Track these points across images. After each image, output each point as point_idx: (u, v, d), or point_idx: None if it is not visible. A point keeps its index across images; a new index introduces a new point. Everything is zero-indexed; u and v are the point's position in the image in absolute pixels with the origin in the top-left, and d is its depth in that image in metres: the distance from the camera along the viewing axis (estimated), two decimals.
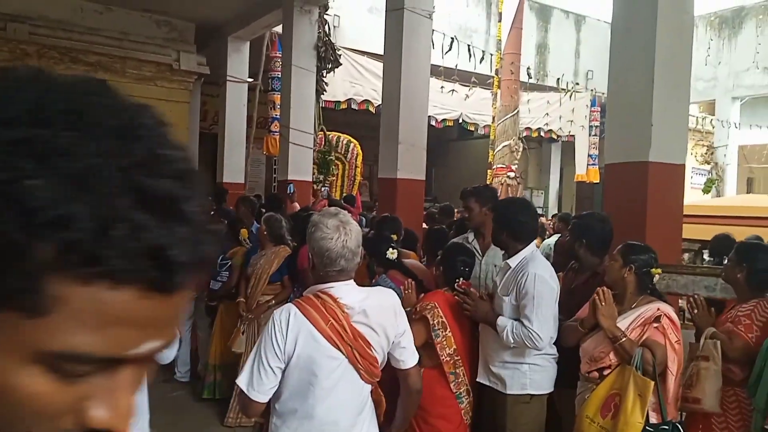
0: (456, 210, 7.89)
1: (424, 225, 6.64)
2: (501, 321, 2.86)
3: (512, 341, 2.80)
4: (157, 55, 10.04)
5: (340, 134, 8.99)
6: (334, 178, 9.97)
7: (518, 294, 2.80)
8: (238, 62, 10.49)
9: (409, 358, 2.17)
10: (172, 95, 10.46)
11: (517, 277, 2.84)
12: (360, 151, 8.55)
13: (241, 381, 1.98)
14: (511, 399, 2.89)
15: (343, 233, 1.98)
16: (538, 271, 2.81)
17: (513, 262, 2.94)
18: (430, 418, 2.86)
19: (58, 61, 9.26)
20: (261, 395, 1.96)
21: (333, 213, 2.06)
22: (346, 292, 2.03)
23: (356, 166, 8.62)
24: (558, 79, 11.98)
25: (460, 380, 2.94)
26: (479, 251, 3.64)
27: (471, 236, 3.77)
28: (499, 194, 4.76)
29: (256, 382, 1.95)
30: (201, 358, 5.52)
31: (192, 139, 11.35)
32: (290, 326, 1.95)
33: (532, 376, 2.90)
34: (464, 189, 3.92)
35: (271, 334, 1.96)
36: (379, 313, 2.06)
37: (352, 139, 8.62)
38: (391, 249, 3.47)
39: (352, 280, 2.07)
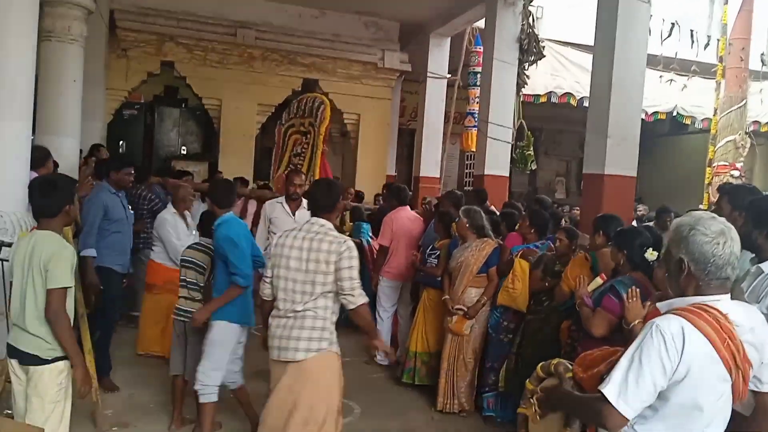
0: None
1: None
2: None
3: None
4: (364, 55, 10.60)
5: (314, 95, 7.48)
6: None
7: None
8: (439, 59, 10.65)
9: None
10: (375, 92, 10.99)
11: None
12: (329, 114, 6.76)
13: (610, 391, 1.76)
14: None
15: (729, 239, 1.80)
16: None
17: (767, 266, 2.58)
18: None
19: (279, 63, 10.21)
20: (631, 410, 1.75)
21: (710, 216, 1.87)
22: (731, 307, 1.81)
23: (320, 134, 6.68)
24: None
25: None
26: None
27: None
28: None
29: (632, 395, 1.74)
30: (401, 344, 5.71)
31: (391, 134, 11.82)
32: (687, 343, 1.72)
33: None
34: (722, 185, 3.55)
35: (660, 347, 1.73)
36: (762, 331, 1.84)
37: (325, 99, 7.04)
38: (651, 249, 3.24)
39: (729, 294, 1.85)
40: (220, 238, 3.74)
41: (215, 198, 3.99)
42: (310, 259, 3.10)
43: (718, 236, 1.79)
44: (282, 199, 5.35)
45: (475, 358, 4.77)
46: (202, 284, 4.11)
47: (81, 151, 7.00)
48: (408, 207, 6.03)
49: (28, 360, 2.84)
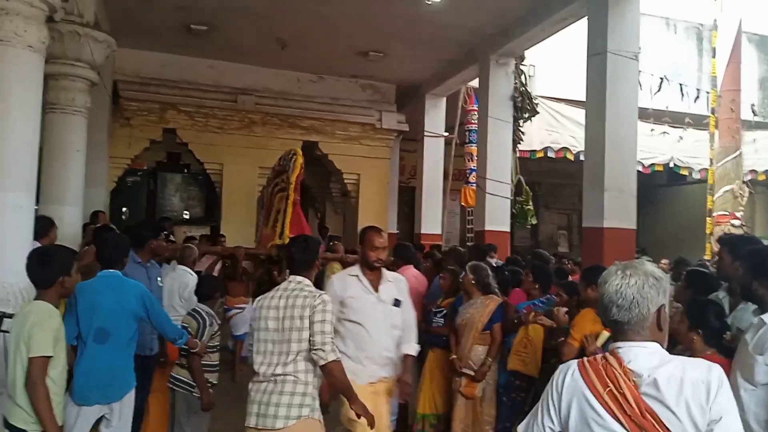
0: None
1: None
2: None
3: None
4: (362, 116, 10.83)
5: (291, 149, 7.31)
6: None
7: None
8: (435, 118, 10.89)
9: None
10: (374, 152, 11.16)
11: None
12: (300, 163, 6.57)
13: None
14: None
15: (619, 277, 1.71)
16: None
17: None
18: None
19: (278, 127, 10.41)
20: None
21: (623, 262, 1.81)
22: (635, 354, 1.68)
23: (291, 183, 6.54)
24: None
25: None
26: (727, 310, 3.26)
27: (722, 293, 3.39)
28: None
29: None
30: (410, 406, 5.55)
31: (391, 192, 11.93)
32: (566, 386, 1.72)
33: None
34: (722, 236, 3.58)
35: (549, 390, 1.77)
36: (678, 387, 1.60)
37: (297, 150, 6.98)
38: None
39: (650, 342, 1.71)
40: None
41: (99, 255, 3.70)
42: (285, 317, 2.97)
43: (608, 276, 1.74)
44: (356, 270, 3.75)
45: (492, 423, 4.60)
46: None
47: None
48: (413, 266, 5.97)
49: None
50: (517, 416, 4.52)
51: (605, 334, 3.58)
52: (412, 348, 3.79)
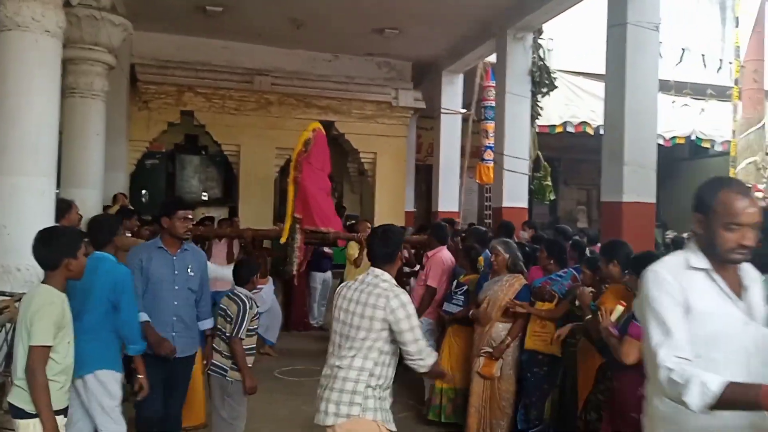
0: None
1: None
2: None
3: None
4: (378, 95, 10.76)
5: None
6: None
7: None
8: (452, 95, 10.80)
9: None
10: (391, 131, 11.11)
11: None
12: (302, 139, 6.25)
13: None
14: None
15: None
16: None
17: None
18: None
19: (294, 107, 10.39)
20: None
21: None
22: None
23: (292, 161, 6.40)
24: None
25: None
26: None
27: None
28: None
29: None
30: (427, 381, 5.60)
31: (408, 170, 11.90)
32: None
33: None
34: None
35: None
36: None
37: (308, 126, 6.52)
38: None
39: None
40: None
41: (90, 236, 3.53)
42: (355, 313, 2.85)
43: None
44: (701, 259, 2.00)
45: (510, 400, 4.62)
46: (227, 333, 3.99)
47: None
48: (446, 247, 5.90)
49: (15, 412, 2.77)
50: (540, 391, 4.54)
51: (619, 308, 3.55)
52: None
